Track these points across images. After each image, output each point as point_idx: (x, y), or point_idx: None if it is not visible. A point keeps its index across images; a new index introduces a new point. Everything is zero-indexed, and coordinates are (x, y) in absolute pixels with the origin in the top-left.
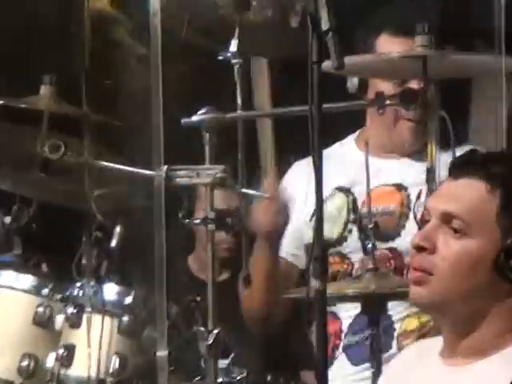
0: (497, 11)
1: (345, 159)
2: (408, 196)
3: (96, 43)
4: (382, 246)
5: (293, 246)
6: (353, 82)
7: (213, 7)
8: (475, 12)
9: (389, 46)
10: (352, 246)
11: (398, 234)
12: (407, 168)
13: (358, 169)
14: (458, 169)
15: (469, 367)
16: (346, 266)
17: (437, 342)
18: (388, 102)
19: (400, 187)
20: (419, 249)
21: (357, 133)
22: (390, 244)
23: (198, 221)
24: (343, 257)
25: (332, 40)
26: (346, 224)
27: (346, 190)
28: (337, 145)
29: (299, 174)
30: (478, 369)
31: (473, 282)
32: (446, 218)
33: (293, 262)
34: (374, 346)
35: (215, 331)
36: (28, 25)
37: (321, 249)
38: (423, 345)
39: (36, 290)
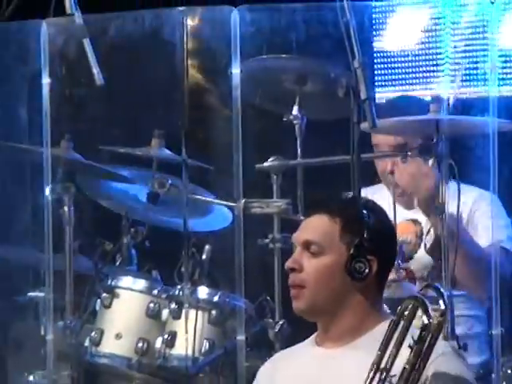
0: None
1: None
2: (421, 229)
3: (192, 106)
4: (402, 266)
5: None
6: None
7: (279, 81)
8: None
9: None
10: None
11: (411, 258)
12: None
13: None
14: (310, 209)
15: (340, 349)
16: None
17: (305, 343)
18: (409, 153)
19: (416, 222)
20: (291, 270)
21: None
22: (406, 265)
23: (267, 240)
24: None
25: (368, 106)
26: None
27: None
28: (370, 189)
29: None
30: (347, 350)
31: (333, 286)
32: (306, 245)
33: None
34: None
35: (281, 322)
36: (142, 91)
37: None
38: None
39: (148, 291)
